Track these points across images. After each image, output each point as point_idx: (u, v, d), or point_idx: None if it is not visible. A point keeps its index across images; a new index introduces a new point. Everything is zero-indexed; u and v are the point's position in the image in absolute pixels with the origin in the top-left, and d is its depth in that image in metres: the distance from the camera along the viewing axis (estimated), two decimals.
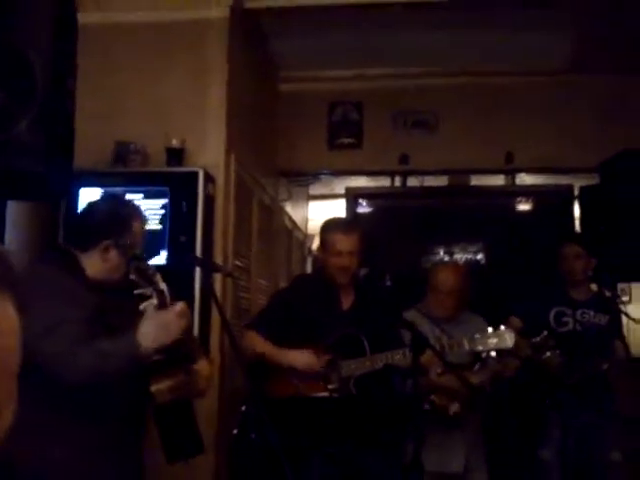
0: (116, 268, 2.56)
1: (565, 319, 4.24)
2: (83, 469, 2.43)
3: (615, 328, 4.28)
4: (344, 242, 3.55)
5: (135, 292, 2.38)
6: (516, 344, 3.59)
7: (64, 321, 2.36)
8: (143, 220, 2.69)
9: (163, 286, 2.41)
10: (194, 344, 2.81)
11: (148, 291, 2.38)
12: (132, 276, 2.39)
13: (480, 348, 3.50)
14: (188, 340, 2.62)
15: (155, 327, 2.35)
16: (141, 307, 2.39)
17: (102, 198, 2.90)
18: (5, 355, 0.68)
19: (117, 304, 2.52)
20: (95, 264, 2.57)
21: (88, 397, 2.41)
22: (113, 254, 2.55)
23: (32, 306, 2.01)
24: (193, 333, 3.06)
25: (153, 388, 2.40)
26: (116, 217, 2.61)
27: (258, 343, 3.52)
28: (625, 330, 4.52)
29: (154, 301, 2.38)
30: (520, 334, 3.78)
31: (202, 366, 2.67)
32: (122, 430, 2.55)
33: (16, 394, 0.70)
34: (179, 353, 2.48)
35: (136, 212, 2.68)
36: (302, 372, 3.42)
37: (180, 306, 2.41)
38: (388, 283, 4.72)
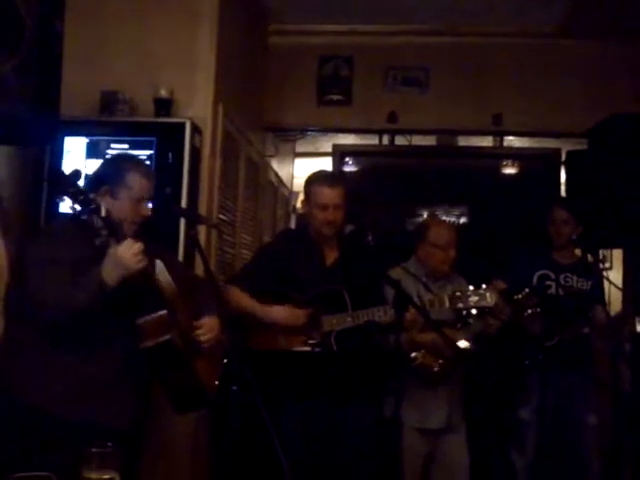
0: (117, 214, 2.64)
1: (548, 282, 4.27)
2: (84, 402, 2.58)
3: (597, 294, 4.32)
4: (329, 195, 3.53)
5: (82, 217, 2.43)
6: (497, 305, 3.62)
7: (52, 261, 2.50)
8: (143, 174, 2.81)
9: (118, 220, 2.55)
10: (205, 295, 2.99)
11: (97, 223, 2.43)
12: (62, 199, 2.44)
13: (461, 305, 3.52)
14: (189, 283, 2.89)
15: (111, 262, 2.49)
16: (97, 242, 2.48)
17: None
18: None
19: None
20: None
21: (83, 332, 2.56)
22: (105, 198, 2.67)
23: (33, 248, 2.06)
24: (204, 285, 3.15)
25: (140, 322, 2.57)
26: (112, 168, 2.83)
27: (241, 298, 3.52)
28: (606, 296, 4.57)
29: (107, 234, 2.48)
30: (503, 296, 3.81)
31: (207, 321, 2.91)
32: (120, 366, 2.68)
33: (3, 318, 0.69)
34: (158, 294, 2.64)
35: (135, 167, 2.84)
36: (284, 326, 3.44)
37: (128, 241, 2.51)
38: (370, 242, 4.71)
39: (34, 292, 2.47)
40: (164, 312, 2.60)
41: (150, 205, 2.83)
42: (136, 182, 2.75)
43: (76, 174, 2.49)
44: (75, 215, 2.63)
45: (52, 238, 2.69)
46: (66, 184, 2.41)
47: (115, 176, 2.74)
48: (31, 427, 2.53)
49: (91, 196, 2.42)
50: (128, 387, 2.74)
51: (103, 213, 2.42)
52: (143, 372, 2.75)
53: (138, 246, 2.51)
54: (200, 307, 2.94)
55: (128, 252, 2.48)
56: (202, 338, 2.88)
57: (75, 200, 2.39)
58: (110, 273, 2.47)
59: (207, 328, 2.90)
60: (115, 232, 2.48)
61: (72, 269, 2.50)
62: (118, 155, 3.11)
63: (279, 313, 3.46)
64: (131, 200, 2.72)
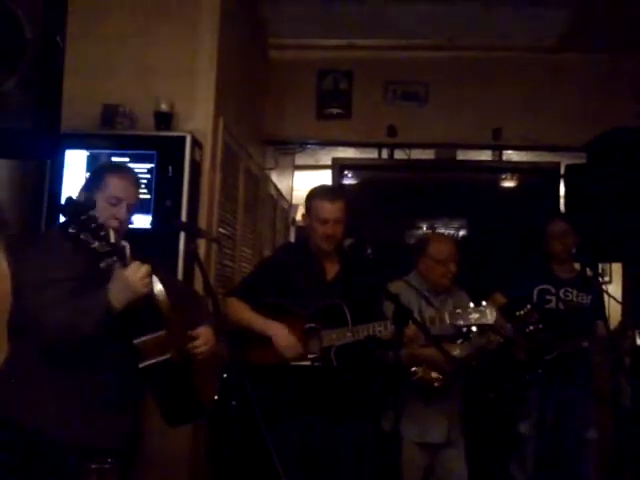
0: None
1: (548, 297, 4.27)
2: (78, 423, 2.53)
3: (597, 308, 4.31)
4: (330, 209, 3.54)
5: (90, 247, 2.39)
6: (498, 321, 3.61)
7: (52, 281, 2.46)
8: (123, 176, 2.74)
9: (123, 243, 2.52)
10: (199, 308, 2.98)
11: (101, 247, 2.39)
12: (71, 230, 2.40)
13: (461, 323, 3.52)
14: (180, 300, 2.79)
15: (119, 285, 2.46)
16: (102, 265, 2.43)
17: None
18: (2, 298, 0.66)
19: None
20: None
21: (80, 353, 2.53)
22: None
23: (28, 263, 2.03)
24: (197, 298, 3.14)
25: (136, 342, 2.52)
26: (93, 172, 2.81)
27: (239, 310, 3.51)
28: (606, 310, 4.56)
29: (114, 259, 2.44)
30: (503, 311, 3.80)
31: (203, 331, 2.85)
32: (116, 386, 2.64)
33: (6, 341, 0.69)
34: (157, 312, 2.59)
35: (114, 169, 2.80)
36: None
37: (135, 264, 2.49)
38: (369, 255, 4.73)
39: (34, 316, 2.40)
40: (163, 332, 2.56)
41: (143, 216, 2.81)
42: (109, 183, 2.69)
43: (88, 202, 2.48)
44: (66, 227, 2.61)
45: (48, 255, 2.60)
46: (78, 213, 2.38)
47: (93, 181, 2.73)
48: (27, 450, 2.46)
49: (100, 222, 2.40)
50: (124, 405, 2.71)
51: (112, 239, 2.40)
52: (138, 390, 2.73)
53: (145, 269, 2.49)
54: (194, 319, 2.91)
55: (135, 276, 2.46)
56: (198, 350, 2.84)
57: (86, 229, 2.36)
58: (117, 297, 2.45)
59: (203, 339, 2.85)
60: (122, 256, 2.46)
61: (71, 290, 2.47)
62: (104, 162, 3.07)
63: (277, 332, 3.43)
64: (106, 201, 2.66)
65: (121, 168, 2.88)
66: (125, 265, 2.46)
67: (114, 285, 2.46)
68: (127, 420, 2.74)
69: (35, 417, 2.48)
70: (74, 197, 2.51)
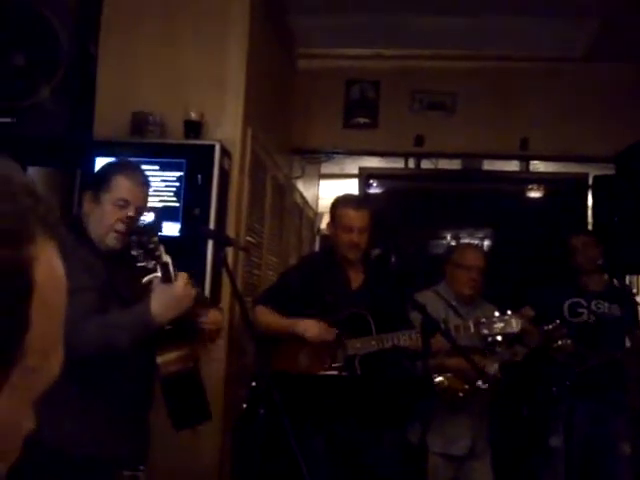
0: (99, 221, 2.55)
1: (580, 310, 4.23)
2: (92, 441, 2.44)
3: (630, 319, 4.27)
4: (355, 218, 3.55)
5: (138, 265, 2.38)
6: (526, 332, 3.60)
7: (78, 290, 2.36)
8: (131, 178, 2.61)
9: (167, 258, 2.41)
10: (202, 301, 2.85)
11: (150, 264, 2.38)
12: (133, 251, 2.39)
13: (486, 332, 3.51)
14: (194, 306, 2.67)
15: (166, 301, 2.38)
16: (144, 280, 2.40)
17: None
18: (63, 299, 0.69)
19: (125, 273, 2.53)
20: (89, 222, 2.59)
21: (97, 369, 2.44)
22: (90, 205, 2.59)
23: None
24: (202, 293, 3.10)
25: (159, 360, 2.45)
26: (99, 171, 2.69)
27: (268, 316, 3.52)
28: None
29: (158, 274, 2.39)
30: (532, 323, 3.78)
31: (213, 314, 2.73)
32: (131, 401, 2.58)
33: (62, 350, 0.71)
34: (184, 323, 2.52)
35: (122, 169, 2.65)
36: (311, 343, 3.42)
37: (183, 277, 2.42)
38: (393, 264, 4.74)
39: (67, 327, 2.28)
40: (186, 346, 2.51)
41: (148, 217, 2.62)
42: (117, 184, 2.56)
43: (154, 226, 2.46)
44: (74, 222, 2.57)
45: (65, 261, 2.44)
46: (147, 237, 2.37)
47: (101, 180, 2.60)
48: (41, 465, 2.22)
49: (157, 242, 2.37)
50: (133, 421, 2.63)
51: (164, 258, 2.37)
52: (151, 399, 2.68)
53: (189, 282, 2.44)
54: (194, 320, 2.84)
55: (184, 291, 2.40)
56: (209, 327, 2.71)
57: (146, 251, 2.35)
58: (164, 313, 2.37)
59: (212, 318, 2.72)
60: (166, 272, 2.39)
61: (93, 299, 2.40)
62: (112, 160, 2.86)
63: (309, 325, 3.45)
64: (113, 204, 2.54)
65: (130, 167, 2.70)
66: (168, 281, 2.38)
67: (159, 301, 2.37)
68: (142, 430, 2.67)
69: (53, 434, 2.29)
70: (146, 223, 2.48)
